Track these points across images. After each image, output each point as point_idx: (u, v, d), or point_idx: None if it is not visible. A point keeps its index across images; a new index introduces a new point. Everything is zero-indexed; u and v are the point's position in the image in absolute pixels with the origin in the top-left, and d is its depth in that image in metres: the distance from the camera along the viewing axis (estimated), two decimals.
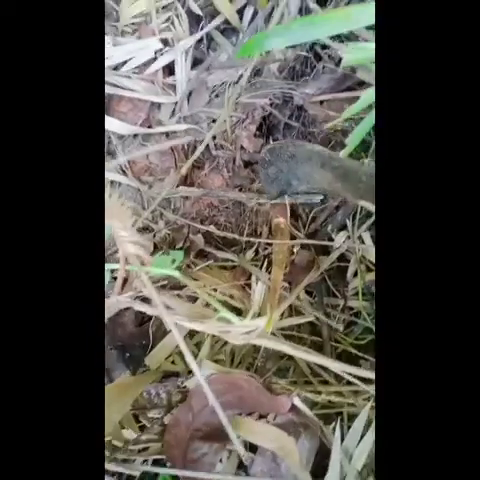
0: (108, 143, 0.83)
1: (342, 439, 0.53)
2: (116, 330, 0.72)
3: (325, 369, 0.63)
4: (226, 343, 0.69)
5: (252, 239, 0.75)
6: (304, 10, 0.70)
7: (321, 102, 0.71)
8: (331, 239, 0.73)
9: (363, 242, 0.70)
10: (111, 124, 0.79)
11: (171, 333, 0.57)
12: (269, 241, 0.72)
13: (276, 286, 0.56)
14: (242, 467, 0.60)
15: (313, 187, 0.68)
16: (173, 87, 0.79)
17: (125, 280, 0.59)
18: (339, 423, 0.53)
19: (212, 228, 0.77)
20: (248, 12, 0.77)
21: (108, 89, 0.80)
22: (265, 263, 0.71)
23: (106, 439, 0.55)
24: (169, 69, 0.80)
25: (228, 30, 0.82)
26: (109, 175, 0.81)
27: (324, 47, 0.71)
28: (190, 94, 0.78)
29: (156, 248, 0.78)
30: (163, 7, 0.80)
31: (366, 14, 0.44)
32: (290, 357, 0.68)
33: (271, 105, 0.71)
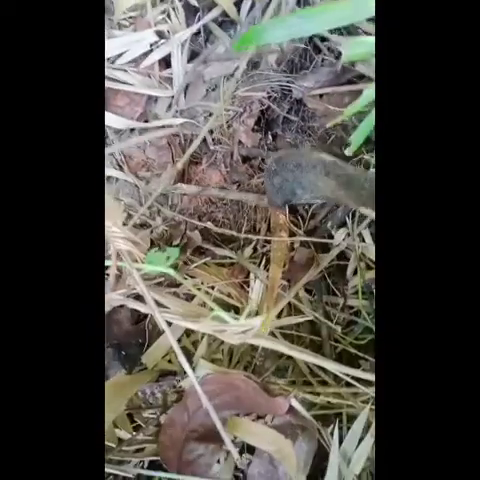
0: (105, 137, 0.82)
1: (340, 442, 0.52)
2: (112, 328, 0.71)
3: (324, 369, 0.62)
4: (224, 342, 0.68)
5: (250, 236, 0.74)
6: (303, 1, 0.68)
7: (321, 96, 0.69)
8: (331, 236, 0.71)
9: (363, 240, 0.69)
10: (107, 118, 0.78)
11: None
12: (267, 238, 0.70)
13: (274, 284, 0.55)
14: (240, 469, 0.59)
15: (316, 195, 0.68)
16: (170, 80, 0.77)
17: (119, 277, 0.58)
18: (338, 425, 0.52)
19: (210, 225, 0.76)
20: (246, 4, 0.75)
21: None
22: (263, 261, 0.70)
23: None
24: (166, 62, 0.78)
25: (226, 23, 0.80)
26: (105, 170, 0.80)
27: (323, 39, 0.69)
28: (187, 87, 0.76)
29: (153, 245, 0.77)
30: (160, 0, 0.79)
31: (366, 6, 0.42)
32: (289, 357, 0.67)
33: (269, 98, 0.70)
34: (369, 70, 0.63)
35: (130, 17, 0.82)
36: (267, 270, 0.66)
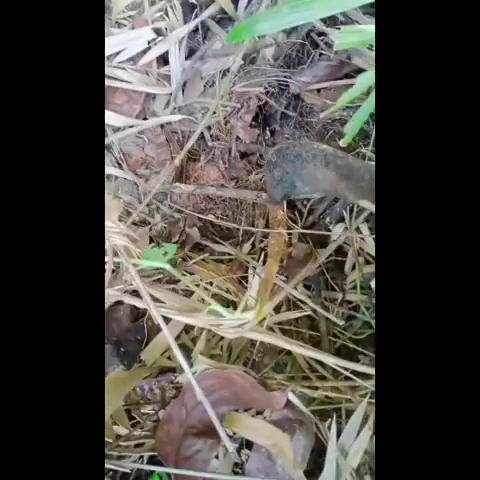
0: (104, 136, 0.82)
1: (338, 436, 0.51)
2: (111, 325, 0.71)
3: (322, 364, 0.62)
4: (223, 338, 0.68)
5: (249, 228, 0.73)
6: None
7: (318, 90, 0.69)
8: (329, 231, 0.71)
9: (361, 234, 0.68)
10: (107, 117, 0.78)
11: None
12: (266, 231, 0.70)
13: (269, 278, 0.55)
14: (239, 465, 0.59)
15: (316, 188, 0.67)
16: (168, 77, 0.77)
17: (116, 273, 0.58)
18: (336, 419, 0.52)
19: (211, 217, 0.76)
20: (243, 0, 0.75)
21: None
22: (262, 256, 0.69)
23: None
24: (163, 59, 0.78)
25: (224, 19, 0.80)
26: (105, 169, 0.80)
27: (320, 34, 0.69)
28: (185, 84, 0.76)
29: (152, 242, 0.77)
30: None
31: None
32: (288, 352, 0.67)
33: (266, 94, 0.69)
34: (365, 63, 0.63)
35: (129, 16, 0.82)
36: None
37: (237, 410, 0.58)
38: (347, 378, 0.55)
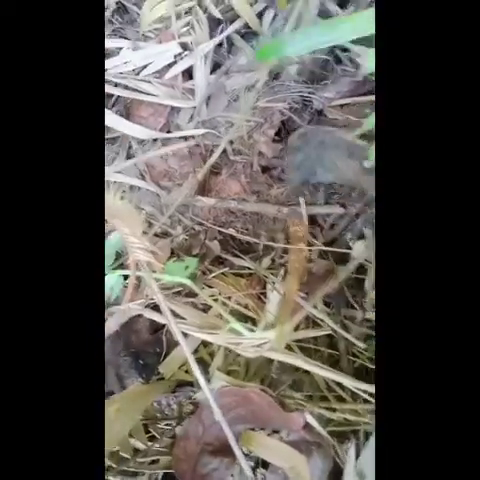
0: (128, 148, 0.83)
1: (356, 459, 0.50)
2: (130, 337, 0.71)
3: (341, 385, 0.61)
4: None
5: (270, 243, 0.73)
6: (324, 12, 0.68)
7: (341, 106, 0.69)
8: (349, 248, 0.70)
9: None
10: (131, 129, 0.79)
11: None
12: (287, 246, 0.70)
13: (290, 297, 0.54)
14: None
15: (337, 176, 0.66)
16: (192, 91, 0.78)
17: (137, 287, 0.58)
18: (354, 442, 0.51)
19: (232, 231, 0.76)
20: (268, 15, 0.75)
21: (128, 94, 0.80)
22: (281, 272, 0.69)
23: (114, 450, 0.54)
24: (188, 73, 0.79)
25: (249, 34, 0.80)
26: (128, 179, 0.81)
27: (344, 50, 0.69)
28: (209, 98, 0.77)
29: (173, 254, 0.78)
30: (185, 12, 0.80)
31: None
32: (306, 370, 0.66)
33: (290, 109, 0.69)
34: None
35: (155, 29, 0.84)
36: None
37: (253, 428, 0.58)
38: (366, 400, 0.54)
